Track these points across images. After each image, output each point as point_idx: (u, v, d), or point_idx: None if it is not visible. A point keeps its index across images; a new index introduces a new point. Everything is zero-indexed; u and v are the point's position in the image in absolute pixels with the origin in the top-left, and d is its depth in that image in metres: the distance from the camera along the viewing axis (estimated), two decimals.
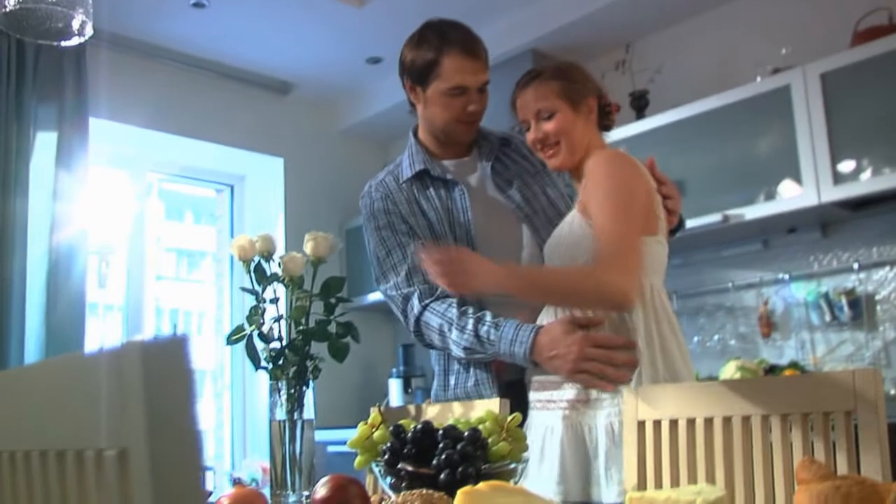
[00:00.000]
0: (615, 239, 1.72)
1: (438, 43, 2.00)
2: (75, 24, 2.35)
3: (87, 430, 0.52)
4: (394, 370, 4.64)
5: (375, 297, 4.40)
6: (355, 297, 4.76)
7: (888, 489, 0.94)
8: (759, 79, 3.34)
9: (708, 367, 3.55)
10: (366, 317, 4.69)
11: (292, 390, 1.98)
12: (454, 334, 1.91)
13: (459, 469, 1.27)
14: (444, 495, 0.95)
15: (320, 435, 3.17)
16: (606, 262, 1.72)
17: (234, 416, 4.80)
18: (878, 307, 3.25)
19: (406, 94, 2.12)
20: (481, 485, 0.94)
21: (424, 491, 0.97)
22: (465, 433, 1.33)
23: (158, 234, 5.35)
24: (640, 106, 3.81)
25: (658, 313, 1.80)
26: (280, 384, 1.98)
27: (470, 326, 1.88)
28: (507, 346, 1.84)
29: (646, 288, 1.79)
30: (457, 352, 1.93)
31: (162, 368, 0.47)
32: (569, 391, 1.81)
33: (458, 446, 1.30)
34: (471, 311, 1.92)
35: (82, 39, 2.37)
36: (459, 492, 0.89)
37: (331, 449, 4.02)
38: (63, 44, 2.42)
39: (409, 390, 4.54)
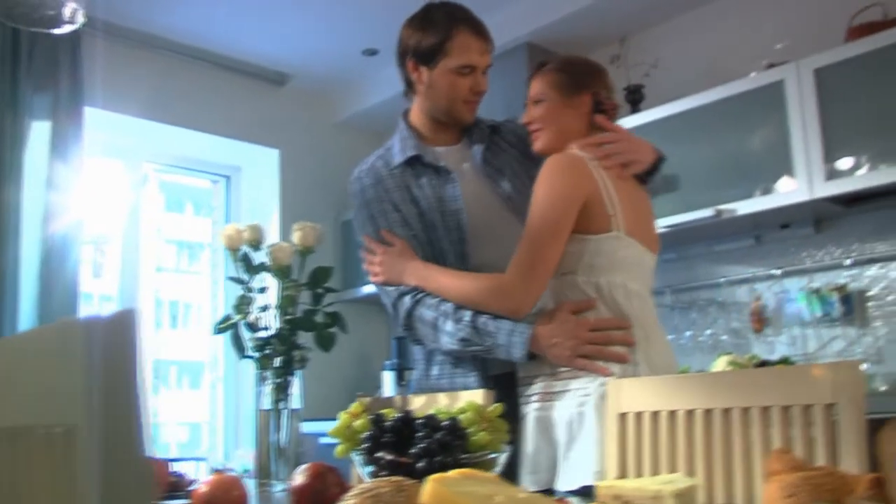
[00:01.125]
0: (525, 251, 1.83)
1: (448, 21, 2.01)
2: (67, 12, 2.35)
3: (37, 408, 0.52)
4: (387, 363, 4.64)
5: (370, 289, 4.39)
6: (350, 288, 4.77)
7: (859, 480, 0.94)
8: (753, 74, 3.33)
9: (700, 361, 3.56)
10: (360, 309, 4.69)
11: (279, 380, 1.98)
12: (449, 326, 1.90)
13: (437, 458, 1.27)
14: (416, 482, 0.95)
15: (313, 426, 3.17)
16: (509, 272, 1.84)
17: (227, 408, 4.80)
18: (870, 304, 3.25)
19: (406, 75, 2.11)
20: (452, 472, 0.94)
21: (395, 478, 0.97)
22: (445, 423, 1.33)
23: (159, 225, 5.35)
24: (635, 100, 3.81)
25: (620, 309, 1.83)
26: (266, 374, 1.99)
27: (467, 318, 1.88)
28: (506, 337, 1.83)
29: (601, 286, 1.84)
30: (450, 344, 1.91)
31: (107, 344, 0.47)
32: (536, 385, 1.85)
33: (437, 435, 1.30)
34: None
35: (73, 27, 2.37)
36: (429, 478, 0.88)
37: (323, 441, 4.02)
38: (55, 31, 2.42)
39: (403, 382, 4.53)
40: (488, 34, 2.07)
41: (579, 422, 1.75)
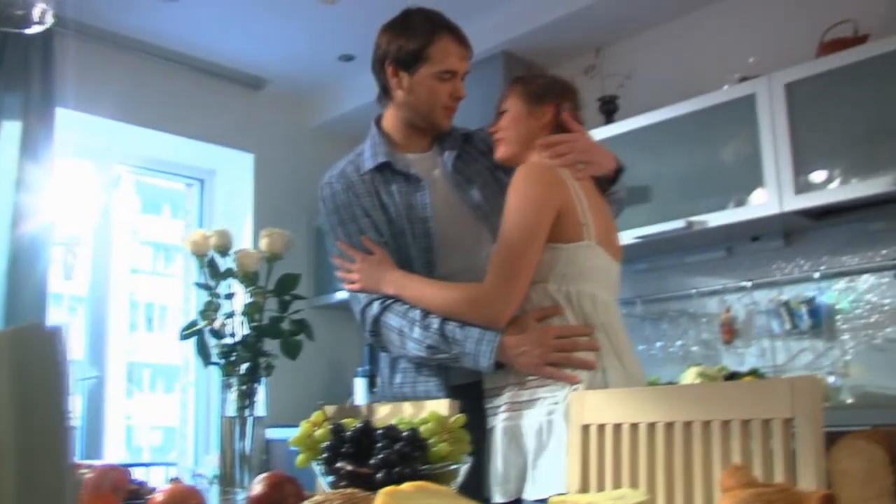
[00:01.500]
0: (502, 261, 1.83)
1: (429, 26, 2.02)
2: (36, 13, 2.33)
3: None
4: (359, 369, 4.63)
5: (343, 295, 4.37)
6: (323, 294, 4.75)
7: (810, 498, 0.95)
8: (725, 87, 3.36)
9: (670, 372, 3.57)
10: (333, 315, 4.67)
11: (243, 387, 1.97)
12: (417, 333, 1.89)
13: (396, 469, 1.27)
14: (369, 495, 0.94)
15: (284, 433, 3.15)
16: (487, 282, 1.84)
17: (198, 412, 4.77)
18: (838, 317, 3.28)
19: (383, 81, 2.09)
20: (405, 485, 0.94)
21: (348, 490, 0.96)
22: (405, 433, 1.33)
23: (134, 227, 5.30)
24: (610, 111, 3.83)
25: (587, 318, 1.84)
26: (231, 380, 1.97)
27: (436, 325, 1.87)
28: (474, 345, 1.83)
29: (571, 295, 1.84)
30: (417, 351, 1.91)
31: (32, 359, 0.46)
32: (504, 396, 1.85)
33: (397, 446, 1.29)
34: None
35: (43, 27, 2.35)
36: (380, 492, 0.88)
37: (293, 447, 4.00)
38: (24, 31, 2.40)
39: (374, 390, 4.52)
40: (468, 40, 2.08)
41: (548, 430, 1.76)
